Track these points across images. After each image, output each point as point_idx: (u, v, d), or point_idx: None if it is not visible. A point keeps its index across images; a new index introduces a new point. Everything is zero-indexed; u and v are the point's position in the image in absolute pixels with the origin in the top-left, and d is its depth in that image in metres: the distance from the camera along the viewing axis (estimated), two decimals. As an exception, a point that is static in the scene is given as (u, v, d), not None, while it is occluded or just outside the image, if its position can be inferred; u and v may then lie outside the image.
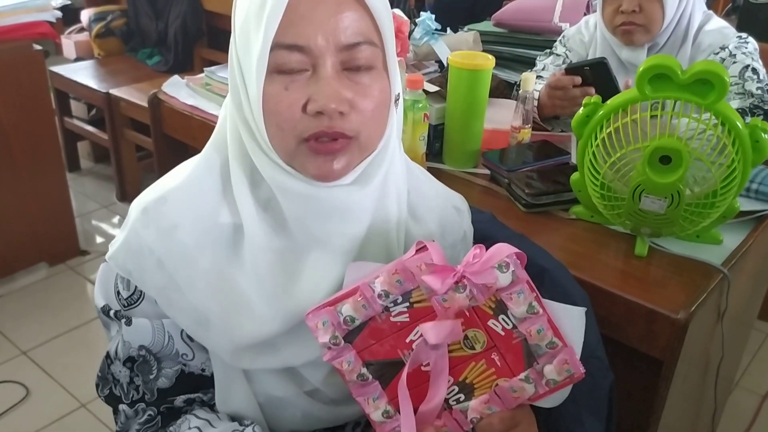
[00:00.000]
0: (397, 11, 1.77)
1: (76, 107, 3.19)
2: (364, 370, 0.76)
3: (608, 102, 1.12)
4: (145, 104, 2.18)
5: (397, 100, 0.78)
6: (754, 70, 1.44)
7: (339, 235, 0.77)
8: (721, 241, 1.22)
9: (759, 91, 1.42)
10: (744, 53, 1.46)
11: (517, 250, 0.73)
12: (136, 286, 0.79)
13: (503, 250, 0.73)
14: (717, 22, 1.54)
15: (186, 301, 0.77)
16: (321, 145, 0.72)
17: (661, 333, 1.06)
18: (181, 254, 0.76)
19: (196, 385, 0.83)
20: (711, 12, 1.56)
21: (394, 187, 0.81)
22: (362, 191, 0.76)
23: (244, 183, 0.77)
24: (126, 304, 0.80)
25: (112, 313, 0.81)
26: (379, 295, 0.73)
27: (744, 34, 1.51)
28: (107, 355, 0.83)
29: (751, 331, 1.91)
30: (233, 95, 0.76)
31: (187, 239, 0.77)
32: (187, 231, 0.77)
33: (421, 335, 0.74)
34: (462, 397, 0.77)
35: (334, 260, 0.77)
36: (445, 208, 0.91)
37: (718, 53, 1.49)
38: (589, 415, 0.95)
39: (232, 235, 0.78)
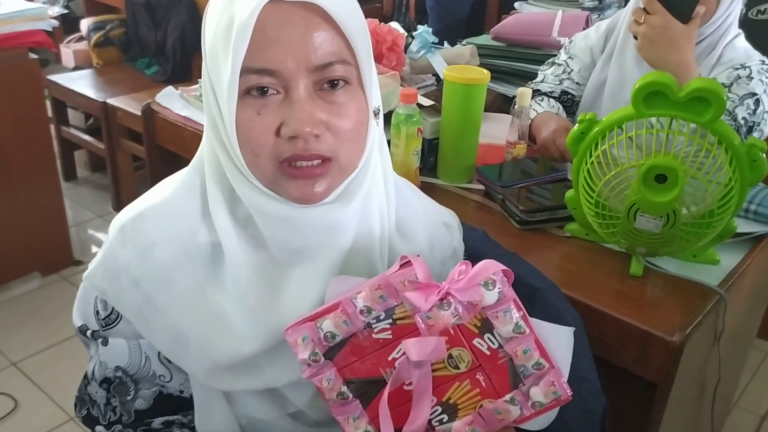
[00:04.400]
0: (395, 24, 1.76)
1: (74, 116, 3.18)
2: (344, 389, 0.73)
3: (603, 119, 1.11)
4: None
5: (377, 114, 0.76)
6: (758, 102, 1.37)
7: (322, 252, 0.75)
8: (718, 262, 1.20)
9: (743, 121, 1.36)
10: (761, 80, 1.39)
11: (504, 267, 0.71)
12: (113, 306, 0.77)
13: (490, 267, 0.71)
14: (745, 42, 1.49)
15: (163, 321, 0.75)
16: (299, 171, 0.70)
17: (656, 355, 1.04)
18: (158, 273, 0.75)
19: (175, 407, 0.81)
20: (741, 31, 1.52)
21: (376, 203, 0.79)
22: (345, 209, 0.75)
23: (221, 202, 0.75)
24: (104, 324, 0.78)
25: (89, 333, 0.79)
26: (361, 311, 0.71)
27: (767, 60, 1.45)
28: (85, 375, 0.82)
29: (750, 349, 1.89)
30: (208, 117, 0.74)
31: (165, 257, 0.75)
32: (165, 249, 0.75)
33: (404, 353, 0.72)
34: (445, 417, 0.75)
35: (317, 277, 0.75)
36: (434, 224, 0.89)
37: (737, 69, 1.42)
38: (581, 440, 0.92)
39: (211, 254, 0.76)
